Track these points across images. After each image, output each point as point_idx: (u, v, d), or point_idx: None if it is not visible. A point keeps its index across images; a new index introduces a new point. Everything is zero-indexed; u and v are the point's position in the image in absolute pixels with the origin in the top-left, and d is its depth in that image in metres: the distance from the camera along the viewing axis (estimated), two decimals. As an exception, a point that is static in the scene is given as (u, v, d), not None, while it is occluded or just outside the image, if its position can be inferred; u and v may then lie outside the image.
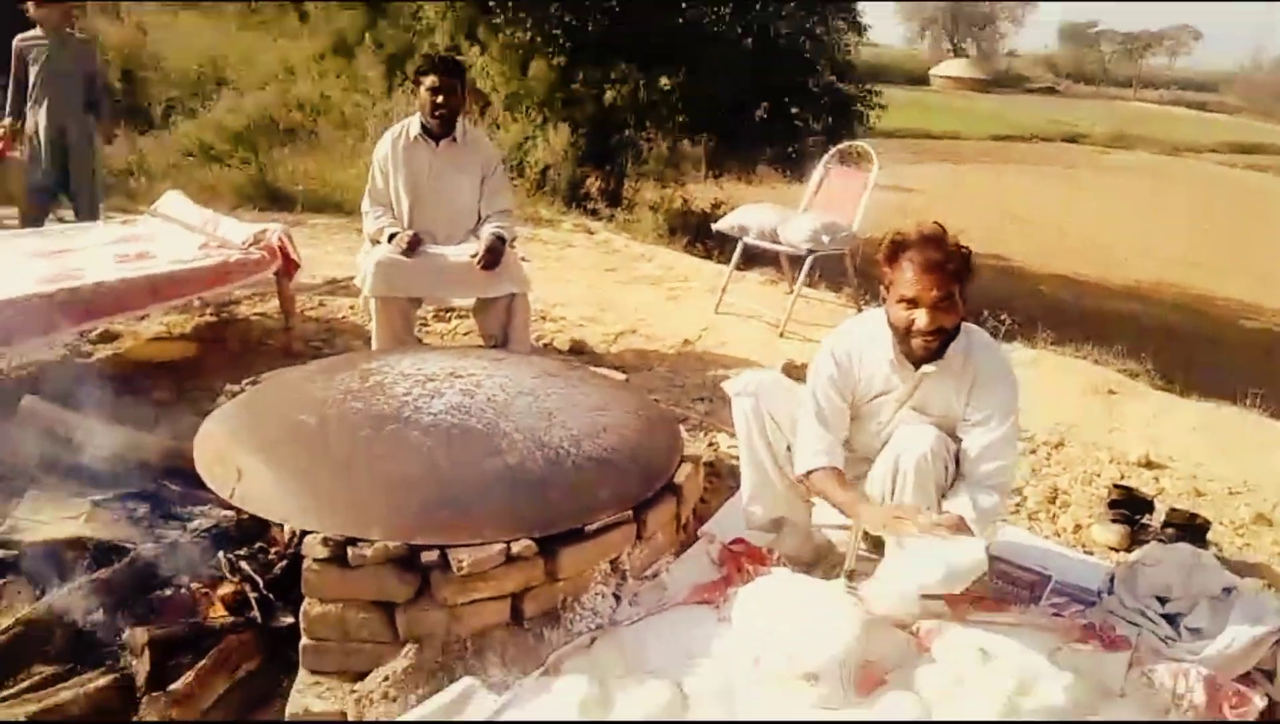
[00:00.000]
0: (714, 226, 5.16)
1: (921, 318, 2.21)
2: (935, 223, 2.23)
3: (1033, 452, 3.61)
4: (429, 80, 3.66)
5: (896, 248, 2.23)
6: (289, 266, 3.84)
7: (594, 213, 8.31)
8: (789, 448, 2.57)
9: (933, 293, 2.17)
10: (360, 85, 10.17)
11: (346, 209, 6.75)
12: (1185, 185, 27.36)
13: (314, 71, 10.07)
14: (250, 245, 3.77)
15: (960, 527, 2.24)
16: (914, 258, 2.18)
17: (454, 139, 3.79)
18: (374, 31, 11.28)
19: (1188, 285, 15.13)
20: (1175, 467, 3.57)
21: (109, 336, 4.00)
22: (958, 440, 2.39)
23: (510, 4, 9.62)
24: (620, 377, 3.31)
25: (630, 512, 2.40)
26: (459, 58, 3.79)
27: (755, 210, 5.01)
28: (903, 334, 2.28)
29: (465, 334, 4.44)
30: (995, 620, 2.36)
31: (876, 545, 2.58)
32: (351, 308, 4.62)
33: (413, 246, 3.60)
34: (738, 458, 3.29)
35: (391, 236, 3.66)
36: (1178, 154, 35.37)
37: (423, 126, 3.78)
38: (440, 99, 3.65)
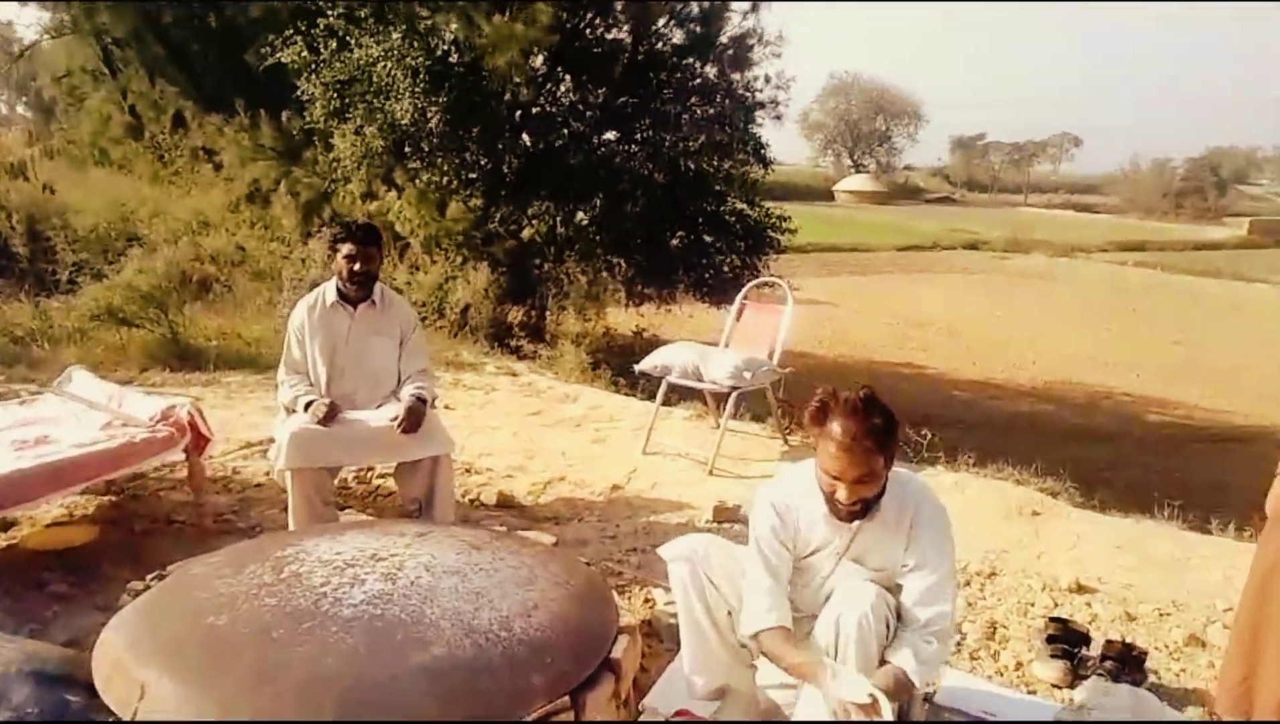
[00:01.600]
0: (637, 368, 5.19)
1: (842, 492, 2.21)
2: (863, 389, 2.21)
3: (967, 583, 3.61)
4: (346, 247, 3.65)
5: (821, 412, 2.23)
6: (199, 442, 3.69)
7: (517, 351, 8.32)
8: (729, 613, 2.51)
9: (853, 471, 2.17)
10: (276, 233, 10.17)
11: (262, 365, 6.61)
12: (1080, 285, 28.88)
13: (228, 222, 10.02)
14: (158, 421, 3.62)
15: (902, 684, 2.21)
16: (835, 433, 2.17)
17: (372, 302, 3.77)
18: (289, 180, 11.38)
19: (1092, 384, 15.75)
20: (1105, 589, 3.60)
21: (3, 524, 3.77)
22: (898, 587, 2.37)
23: (425, 150, 9.84)
24: (549, 540, 3.23)
25: (567, 697, 2.29)
26: (371, 221, 3.78)
27: (677, 350, 5.06)
28: (829, 498, 2.27)
29: (387, 495, 4.31)
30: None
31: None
32: (268, 474, 4.46)
33: (330, 415, 3.51)
34: (675, 617, 3.24)
35: (307, 405, 3.57)
36: (1070, 255, 37.41)
37: (339, 292, 3.75)
38: (358, 266, 3.64)
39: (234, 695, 2.12)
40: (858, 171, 68.01)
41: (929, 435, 5.50)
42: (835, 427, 2.17)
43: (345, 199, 10.61)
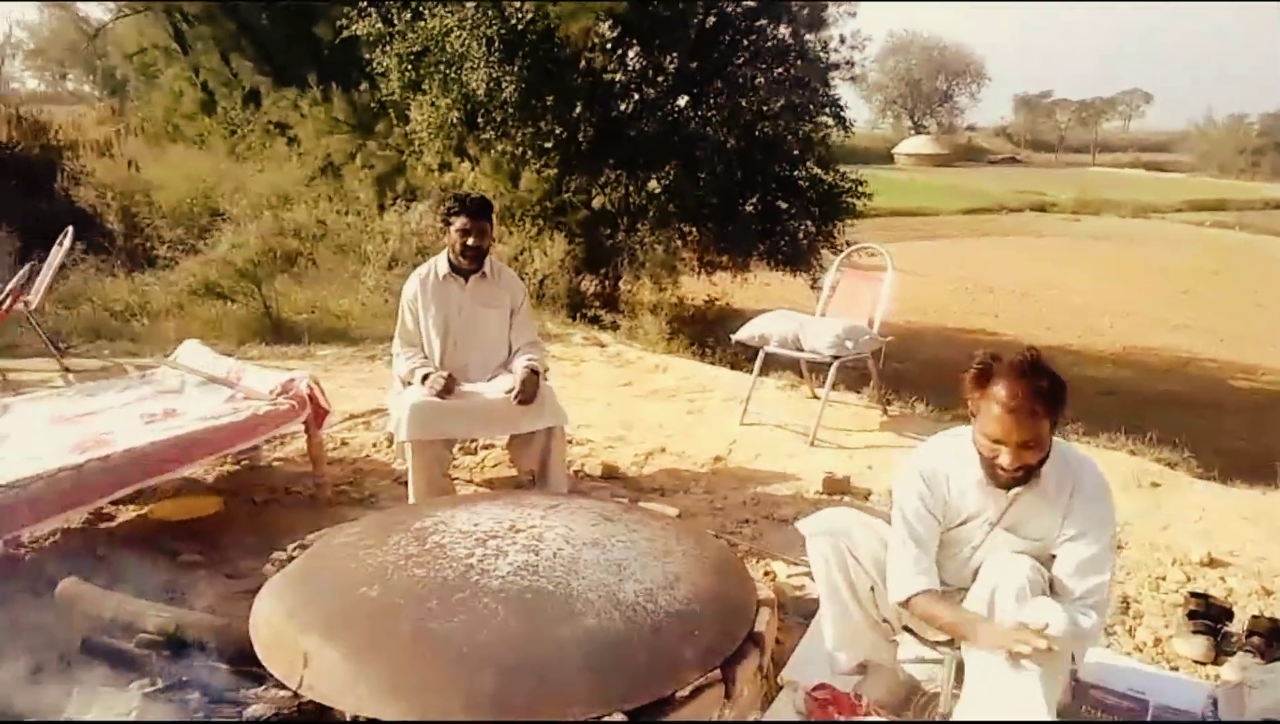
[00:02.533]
0: (734, 337, 5.14)
1: (1005, 457, 2.14)
2: (1029, 351, 2.15)
3: (1093, 557, 3.52)
4: (459, 221, 3.66)
5: (983, 375, 2.17)
6: (319, 414, 3.76)
7: (595, 321, 8.31)
8: (872, 588, 2.48)
9: (1018, 435, 2.11)
10: (353, 207, 10.28)
11: (353, 338, 6.72)
12: (1156, 247, 27.91)
13: (306, 196, 10.15)
14: (278, 395, 3.69)
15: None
16: (1000, 396, 2.11)
17: (483, 274, 3.78)
18: (363, 153, 11.48)
19: (1172, 348, 15.27)
20: (1237, 563, 3.49)
21: (130, 495, 3.88)
22: (1051, 558, 2.31)
23: (499, 120, 9.82)
24: (673, 512, 3.22)
25: (718, 669, 2.29)
26: (482, 195, 3.78)
27: (774, 318, 5.00)
28: (989, 464, 2.21)
29: (494, 466, 4.35)
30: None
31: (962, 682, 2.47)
32: (374, 445, 4.53)
33: (448, 388, 3.54)
34: (798, 588, 3.23)
35: (424, 377, 3.61)
36: (1144, 216, 36.18)
37: (450, 264, 3.76)
38: (471, 240, 3.65)
39: (398, 665, 2.16)
40: (918, 133, 66.46)
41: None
42: (1000, 389, 2.11)
43: (419, 171, 10.67)
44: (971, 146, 65.87)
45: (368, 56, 10.56)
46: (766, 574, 3.35)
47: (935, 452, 2.40)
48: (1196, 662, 2.86)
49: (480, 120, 10.00)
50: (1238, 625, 2.98)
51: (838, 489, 4.08)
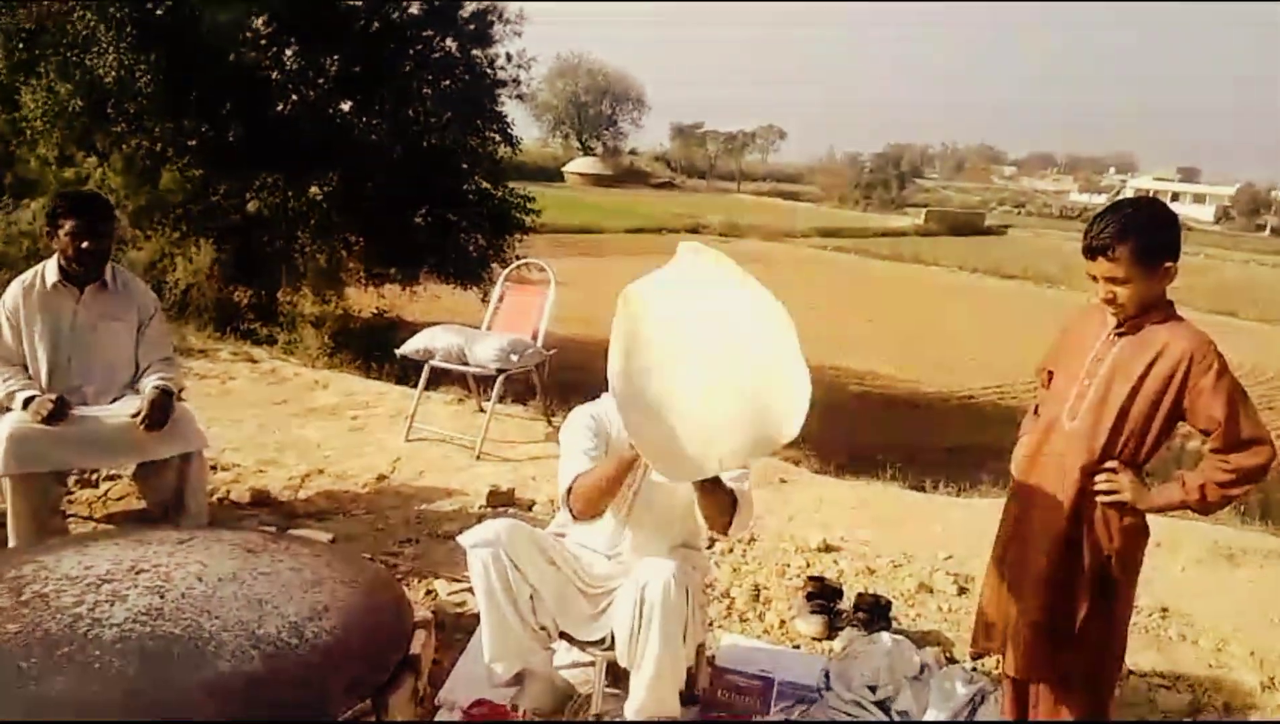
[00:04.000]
0: (398, 352, 5.02)
1: None
2: None
3: (730, 550, 3.86)
4: (68, 224, 3.21)
5: None
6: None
7: (251, 335, 7.73)
8: (531, 595, 2.53)
9: None
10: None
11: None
12: (788, 267, 31.33)
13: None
14: None
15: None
16: None
17: (103, 283, 3.36)
18: (-44, 141, 9.78)
19: (805, 360, 17.18)
20: (847, 547, 3.99)
21: None
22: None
23: (132, 112, 8.82)
24: (326, 537, 3.06)
25: (369, 700, 2.21)
26: (95, 192, 3.37)
27: (439, 332, 4.95)
28: None
29: (119, 498, 3.89)
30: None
31: (618, 680, 2.59)
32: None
33: (57, 413, 3.10)
34: (459, 605, 3.21)
35: (27, 402, 3.13)
36: (780, 239, 40.50)
37: (62, 271, 3.31)
38: (86, 244, 3.22)
39: (-19, 740, 1.85)
40: (586, 154, 69.28)
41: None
42: None
43: (33, 164, 9.27)
44: (634, 169, 69.85)
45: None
46: (428, 594, 3.30)
47: (601, 403, 2.60)
48: (814, 638, 3.22)
49: (110, 111, 8.93)
50: (847, 603, 3.40)
51: (502, 502, 4.12)
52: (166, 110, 8.79)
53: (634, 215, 41.82)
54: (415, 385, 5.18)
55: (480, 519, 3.72)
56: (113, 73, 8.33)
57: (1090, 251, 2.14)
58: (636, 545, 2.56)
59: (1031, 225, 58.66)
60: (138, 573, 2.38)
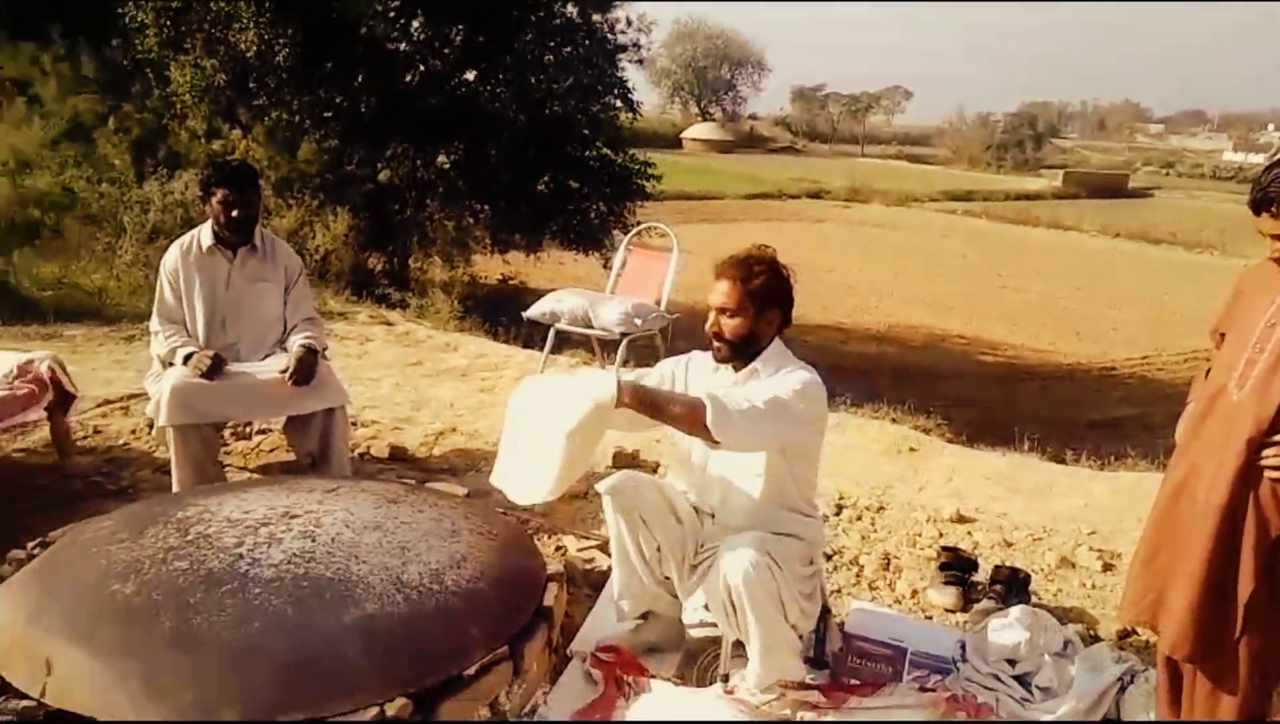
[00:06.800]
0: (525, 315, 5.10)
1: (709, 322, 2.43)
2: (763, 247, 2.46)
3: (858, 518, 3.79)
4: (219, 192, 3.39)
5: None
6: (64, 399, 3.40)
7: (384, 299, 8.02)
8: (658, 548, 2.55)
9: (716, 299, 2.41)
10: (106, 174, 9.32)
11: (108, 316, 6.12)
12: (915, 233, 30.40)
13: (49, 161, 9.11)
14: (14, 378, 3.30)
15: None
16: (716, 267, 2.42)
17: (253, 246, 3.54)
18: (117, 115, 10.43)
19: (930, 326, 16.68)
20: (983, 519, 3.86)
21: None
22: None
23: (273, 86, 9.23)
24: (461, 492, 3.16)
25: (506, 646, 2.27)
26: (244, 161, 3.53)
27: (565, 296, 5.01)
28: (709, 339, 2.47)
29: (270, 451, 4.11)
30: (871, 705, 2.43)
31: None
32: (134, 433, 4.16)
33: (215, 368, 3.29)
34: (588, 561, 3.26)
35: (187, 358, 3.34)
36: (905, 204, 39.25)
37: (215, 236, 3.50)
38: (235, 212, 3.40)
39: (156, 665, 1.99)
40: (705, 119, 68.65)
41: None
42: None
43: (183, 137, 9.83)
44: (753, 134, 68.84)
45: (120, 10, 9.58)
46: (558, 549, 3.36)
47: (684, 357, 2.67)
48: (948, 609, 3.14)
49: (252, 85, 9.36)
50: (982, 575, 3.29)
51: (627, 463, 4.15)
52: (303, 83, 9.17)
53: (753, 181, 41.22)
54: (541, 348, 5.26)
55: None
56: (253, 47, 8.73)
57: (1259, 204, 1.97)
58: (724, 499, 2.54)
59: (1182, 186, 54.93)
60: (291, 518, 2.51)
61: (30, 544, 2.61)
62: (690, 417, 2.21)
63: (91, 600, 2.16)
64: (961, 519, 3.81)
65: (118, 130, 10.42)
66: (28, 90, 11.62)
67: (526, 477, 2.29)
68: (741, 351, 2.41)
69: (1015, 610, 2.73)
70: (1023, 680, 2.52)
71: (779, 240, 2.72)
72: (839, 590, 3.22)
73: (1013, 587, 3.13)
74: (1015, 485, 4.24)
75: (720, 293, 2.37)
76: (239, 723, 1.90)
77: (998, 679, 2.53)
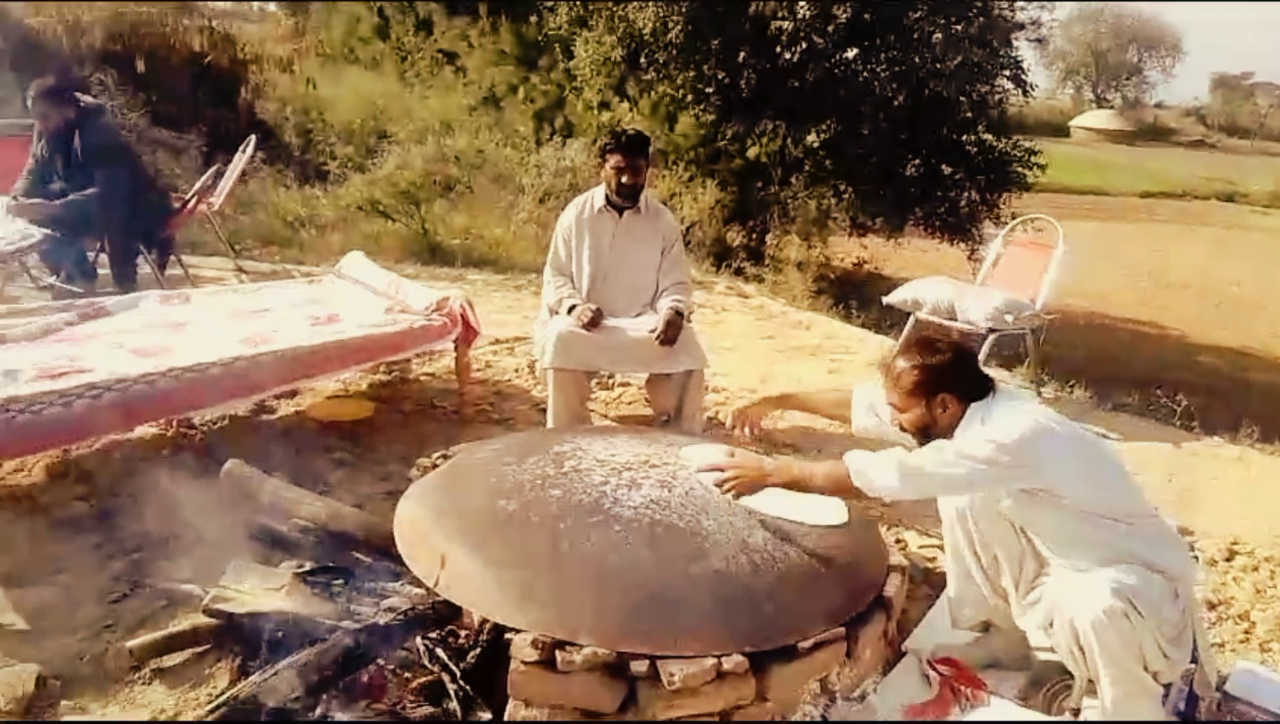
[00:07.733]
0: (885, 300, 4.98)
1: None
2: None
3: (1254, 568, 3.28)
4: (614, 159, 3.65)
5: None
6: (469, 334, 3.87)
7: (739, 271, 8.23)
8: (995, 557, 2.40)
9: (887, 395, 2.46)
10: (511, 138, 10.45)
11: (503, 266, 6.87)
12: (1357, 249, 25.40)
13: (468, 126, 10.40)
14: (433, 311, 3.82)
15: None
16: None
17: (638, 210, 3.78)
18: (526, 86, 11.63)
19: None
20: None
21: (290, 392, 4.11)
22: None
23: (662, 61, 9.75)
24: (808, 466, 3.16)
25: (842, 628, 2.25)
26: (639, 131, 3.76)
27: (931, 283, 4.81)
28: None
29: (629, 403, 4.39)
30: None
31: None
32: (517, 371, 4.64)
33: (594, 321, 3.58)
34: (929, 560, 3.14)
35: (571, 309, 3.65)
36: (1348, 215, 32.92)
37: (607, 198, 3.78)
38: (625, 178, 3.65)
39: (532, 577, 2.21)
40: (1099, 106, 62.17)
41: (1183, 401, 5.00)
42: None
43: (579, 108, 10.74)
44: (1157, 125, 61.09)
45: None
46: (898, 542, 3.26)
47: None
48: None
49: (643, 60, 9.96)
50: None
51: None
52: (690, 59, 9.58)
53: (1152, 177, 36.67)
54: (896, 336, 5.10)
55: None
56: (650, 24, 9.28)
57: None
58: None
59: None
60: (650, 467, 2.67)
61: (435, 455, 3.02)
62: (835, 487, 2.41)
63: (485, 512, 2.45)
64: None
65: (525, 99, 11.62)
66: (454, 61, 13.33)
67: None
68: (927, 434, 2.35)
69: None
70: None
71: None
72: (1222, 645, 2.82)
73: None
74: None
75: (886, 393, 2.44)
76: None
77: None
